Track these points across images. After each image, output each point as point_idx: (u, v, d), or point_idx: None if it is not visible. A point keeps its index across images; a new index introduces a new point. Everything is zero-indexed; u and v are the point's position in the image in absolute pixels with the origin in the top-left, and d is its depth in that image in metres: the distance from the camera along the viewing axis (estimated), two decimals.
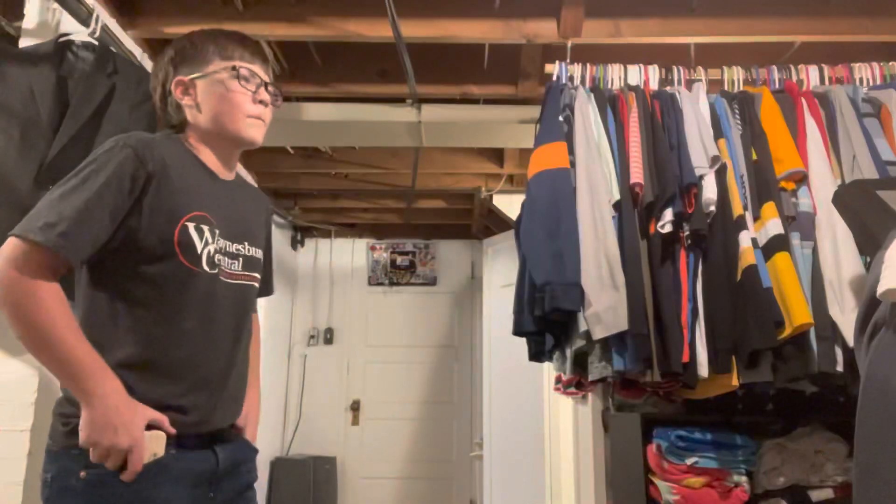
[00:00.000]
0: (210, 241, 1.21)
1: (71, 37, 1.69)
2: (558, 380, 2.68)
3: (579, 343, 1.63)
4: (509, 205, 3.71)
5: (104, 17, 1.83)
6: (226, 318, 1.24)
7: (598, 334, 1.57)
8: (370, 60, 2.51)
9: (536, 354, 1.82)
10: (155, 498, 1.09)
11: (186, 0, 2.12)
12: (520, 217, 1.79)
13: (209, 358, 1.21)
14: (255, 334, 1.43)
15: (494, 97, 2.61)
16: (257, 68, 1.31)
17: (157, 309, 1.15)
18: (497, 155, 3.53)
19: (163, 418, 1.11)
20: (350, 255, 5.04)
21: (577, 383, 2.09)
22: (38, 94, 1.58)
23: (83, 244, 1.08)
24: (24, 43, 1.74)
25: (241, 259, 1.29)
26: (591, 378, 1.64)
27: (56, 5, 1.74)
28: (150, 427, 1.09)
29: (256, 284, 1.36)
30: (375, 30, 2.10)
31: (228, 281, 1.25)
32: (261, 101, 1.31)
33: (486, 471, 3.95)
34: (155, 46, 2.30)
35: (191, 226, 1.18)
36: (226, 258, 1.25)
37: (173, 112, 1.30)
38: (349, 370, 4.86)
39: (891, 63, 1.95)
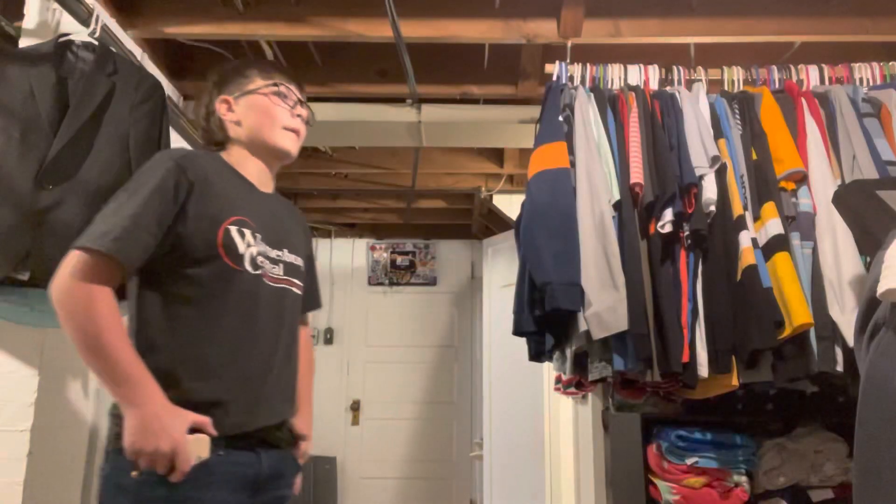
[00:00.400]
0: (252, 243, 1.28)
1: (71, 37, 1.69)
2: (558, 380, 2.69)
3: (579, 343, 1.63)
4: (509, 205, 3.70)
5: (104, 17, 1.83)
6: (268, 318, 1.29)
7: (598, 334, 1.57)
8: (370, 60, 2.50)
9: (536, 354, 1.82)
10: (200, 499, 1.13)
11: (186, 0, 2.12)
12: (520, 217, 1.79)
13: (249, 354, 1.24)
14: (306, 348, 1.47)
15: (494, 97, 2.61)
16: (294, 88, 1.44)
17: (201, 307, 1.22)
18: (497, 155, 3.53)
19: (205, 420, 1.15)
20: (350, 255, 5.04)
21: (577, 383, 2.09)
22: (38, 94, 1.58)
23: (135, 249, 1.16)
24: (24, 43, 1.74)
25: (282, 264, 1.35)
26: (591, 378, 1.64)
27: (56, 5, 1.74)
28: (193, 430, 1.13)
29: (299, 291, 1.41)
30: (375, 30, 2.10)
31: (271, 284, 1.31)
32: (298, 116, 1.43)
33: (486, 471, 3.95)
34: (155, 46, 2.31)
35: (233, 229, 1.25)
36: (268, 261, 1.31)
37: (216, 130, 1.41)
38: (349, 370, 4.86)
39: (891, 63, 1.95)
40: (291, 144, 1.41)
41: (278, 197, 1.48)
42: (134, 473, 1.10)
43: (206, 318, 1.21)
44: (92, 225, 1.17)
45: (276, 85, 1.40)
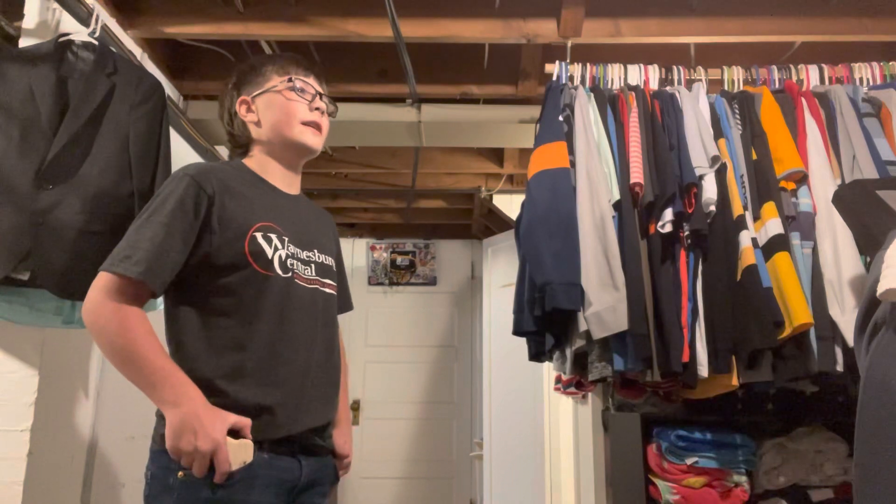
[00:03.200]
0: (280, 246, 1.27)
1: (71, 37, 1.68)
2: (558, 380, 2.69)
3: (579, 343, 1.63)
4: (509, 205, 3.70)
5: (104, 17, 1.83)
6: (303, 320, 1.29)
7: (598, 334, 1.57)
8: (370, 60, 2.51)
9: (536, 354, 1.82)
10: (244, 502, 1.14)
11: (186, 0, 2.12)
12: (520, 217, 1.79)
13: (287, 357, 1.24)
14: (340, 352, 1.46)
15: (494, 97, 2.61)
16: (312, 80, 1.42)
17: (235, 315, 1.22)
18: (497, 155, 3.53)
19: (246, 422, 1.15)
20: (350, 255, 5.04)
21: (577, 383, 2.09)
22: (38, 94, 1.57)
23: (161, 270, 1.16)
24: (24, 43, 1.74)
25: (313, 265, 1.35)
26: (591, 378, 1.64)
27: (56, 5, 1.74)
28: (234, 433, 1.13)
29: (332, 291, 1.40)
30: (375, 30, 2.10)
31: (304, 285, 1.31)
32: (317, 109, 1.40)
33: (486, 471, 3.95)
34: (155, 46, 2.30)
35: (259, 235, 1.25)
36: (298, 263, 1.31)
37: (240, 132, 1.40)
38: (349, 370, 4.86)
39: (891, 63, 1.95)
40: (312, 139, 1.39)
41: (304, 198, 1.46)
42: (180, 474, 1.10)
43: (241, 325, 1.21)
44: (118, 245, 1.18)
45: (290, 80, 1.38)
